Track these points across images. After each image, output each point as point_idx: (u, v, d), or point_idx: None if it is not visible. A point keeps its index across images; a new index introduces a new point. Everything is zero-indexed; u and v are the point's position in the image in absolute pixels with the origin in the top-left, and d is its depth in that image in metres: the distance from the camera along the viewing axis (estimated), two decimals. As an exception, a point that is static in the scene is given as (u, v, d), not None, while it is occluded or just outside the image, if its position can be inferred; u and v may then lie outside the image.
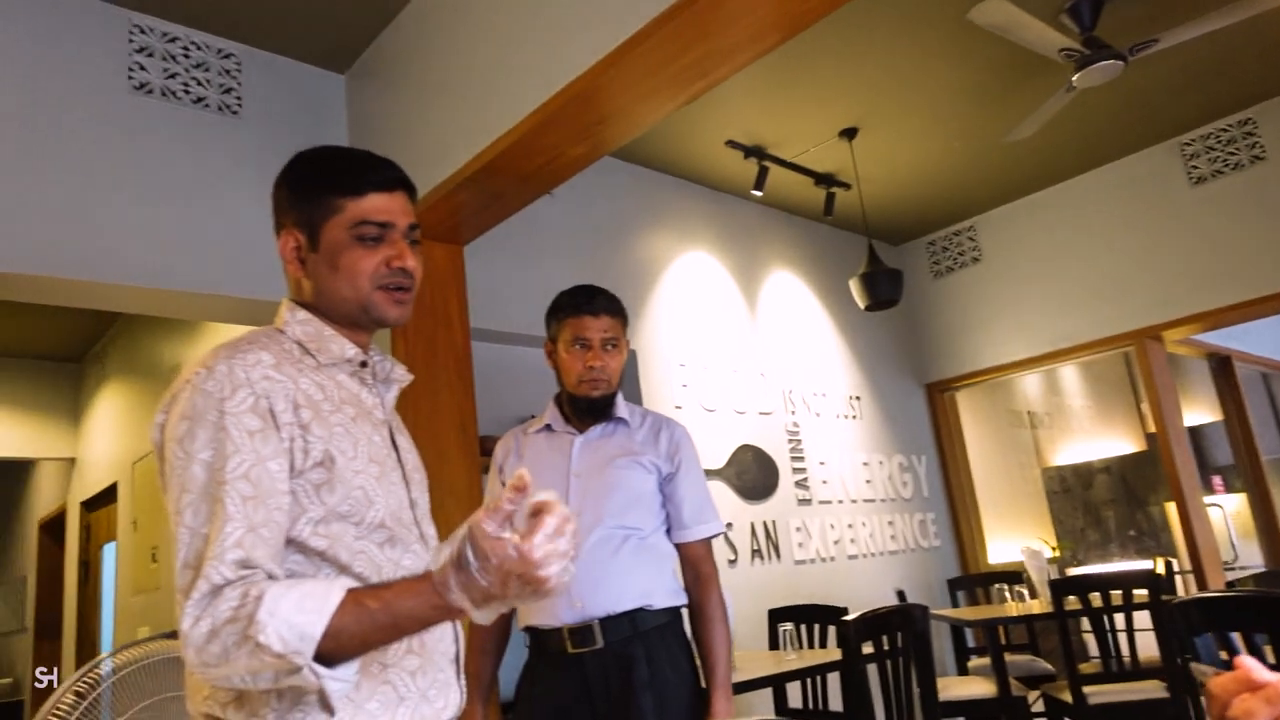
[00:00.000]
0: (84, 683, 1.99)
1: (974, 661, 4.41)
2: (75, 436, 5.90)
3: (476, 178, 2.72)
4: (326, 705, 0.91)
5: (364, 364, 1.19)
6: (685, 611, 2.00)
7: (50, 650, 6.04)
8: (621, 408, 2.07)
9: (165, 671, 2.08)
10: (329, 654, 0.90)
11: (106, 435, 5.34)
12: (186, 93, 2.89)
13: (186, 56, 2.92)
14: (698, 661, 1.95)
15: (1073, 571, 6.02)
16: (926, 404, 5.60)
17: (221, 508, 0.97)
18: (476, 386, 3.03)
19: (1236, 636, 1.79)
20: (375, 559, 1.08)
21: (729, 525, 4.06)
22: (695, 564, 1.99)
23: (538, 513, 0.89)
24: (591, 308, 2.07)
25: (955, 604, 4.77)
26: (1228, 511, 5.97)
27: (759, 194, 4.42)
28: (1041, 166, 4.89)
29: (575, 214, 3.93)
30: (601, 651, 1.84)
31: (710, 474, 4.05)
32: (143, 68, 2.81)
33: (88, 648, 5.42)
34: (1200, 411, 6.58)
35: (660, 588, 1.93)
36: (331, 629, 0.89)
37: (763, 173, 4.31)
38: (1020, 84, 3.91)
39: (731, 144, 4.20)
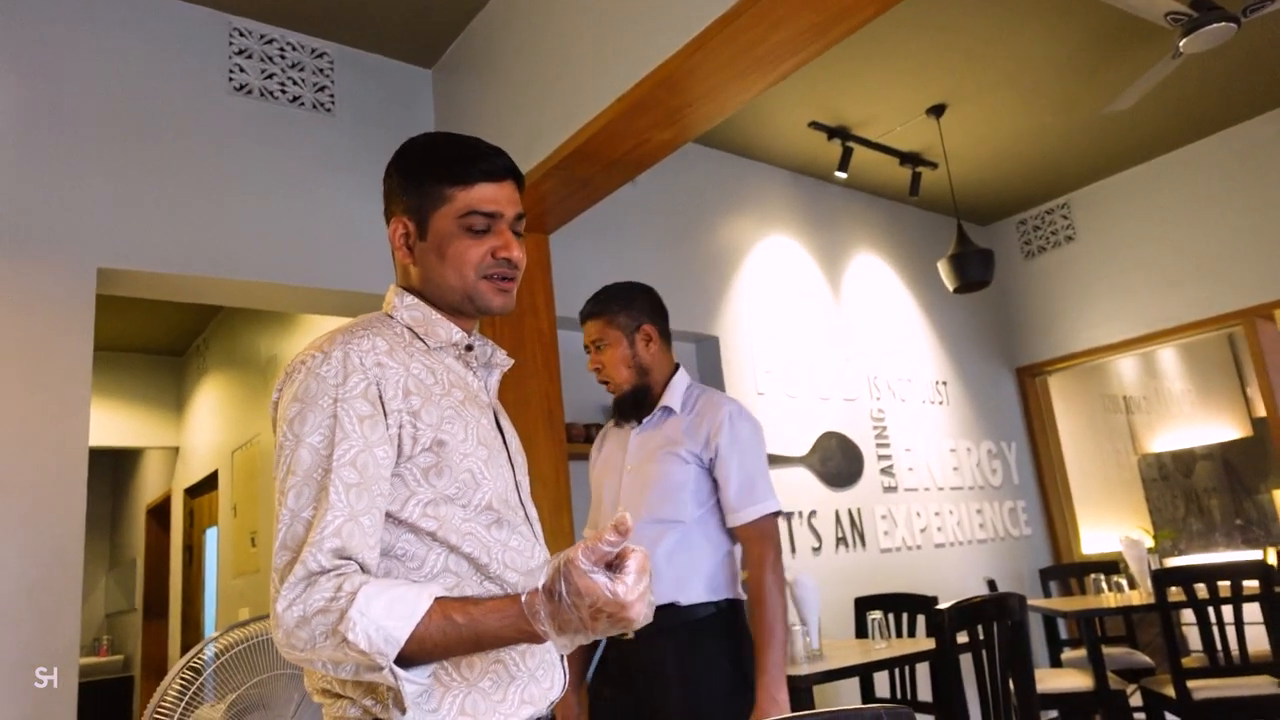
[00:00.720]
0: (193, 665, 2.09)
1: (1068, 654, 4.28)
2: (179, 426, 6.19)
3: (563, 165, 2.74)
4: (400, 703, 0.94)
5: (469, 348, 1.21)
6: (744, 603, 1.97)
7: (158, 629, 6.35)
8: (672, 394, 2.06)
9: (274, 650, 2.17)
10: (410, 656, 0.94)
11: (207, 425, 5.57)
12: (283, 92, 2.99)
13: (283, 57, 3.01)
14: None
15: (1172, 562, 5.79)
16: (1016, 389, 5.44)
17: (325, 494, 0.99)
18: (562, 374, 3.06)
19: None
20: (484, 539, 1.10)
21: (813, 513, 4.02)
22: (746, 547, 1.95)
23: (622, 554, 0.92)
24: (582, 315, 2.14)
25: (1047, 594, 4.64)
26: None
27: (843, 175, 4.35)
28: (1141, 139, 4.68)
29: (657, 201, 3.93)
30: (630, 644, 1.86)
31: (793, 461, 4.01)
32: (242, 69, 2.91)
33: (192, 628, 5.69)
34: (1313, 395, 6.22)
35: (699, 581, 1.90)
36: (416, 636, 0.93)
37: (847, 154, 4.23)
38: (1120, 53, 3.74)
39: (815, 125, 4.13)
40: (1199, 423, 6.58)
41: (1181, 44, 3.21)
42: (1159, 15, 3.14)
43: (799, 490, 3.99)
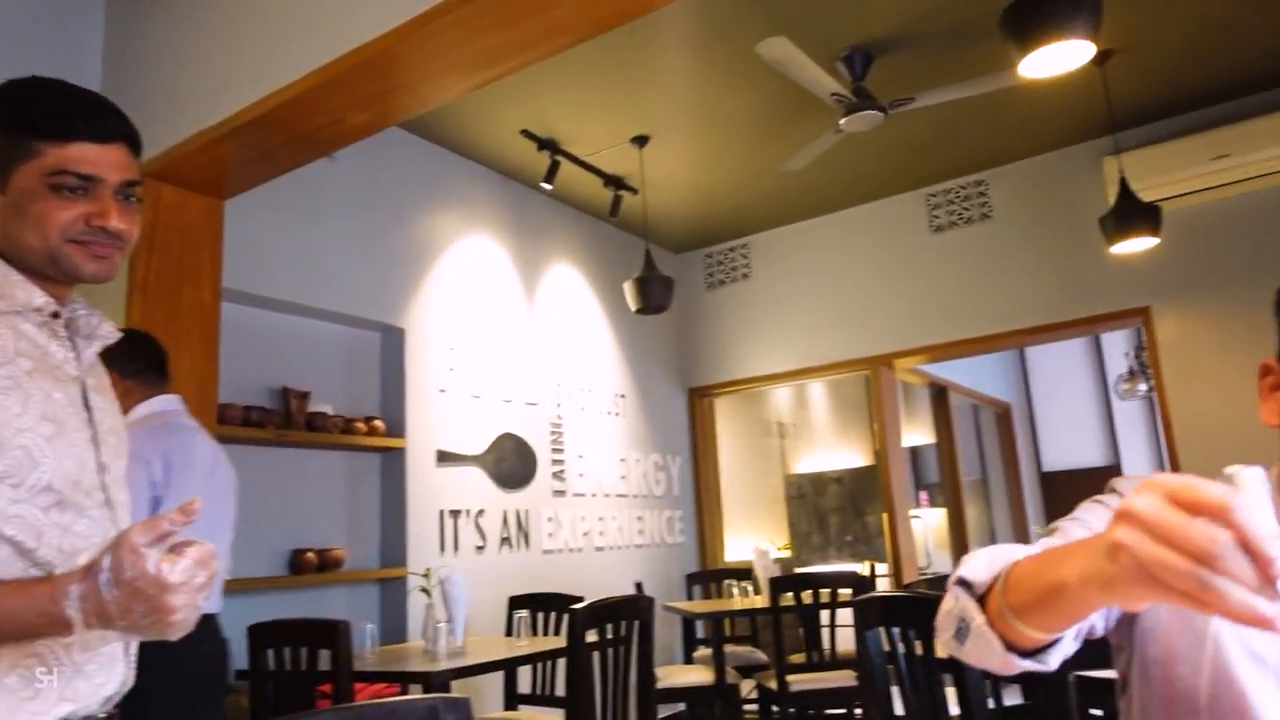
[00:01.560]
0: None
1: (700, 652, 4.71)
2: None
3: (247, 130, 2.56)
4: None
5: (55, 315, 1.10)
6: None
7: None
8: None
9: None
10: None
11: None
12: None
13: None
14: None
15: (801, 571, 6.59)
16: (687, 407, 5.90)
17: None
18: (224, 351, 2.85)
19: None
20: (36, 523, 0.99)
21: (481, 512, 4.08)
22: None
23: (186, 543, 0.90)
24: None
25: (690, 597, 5.07)
26: (928, 523, 6.79)
27: (549, 187, 4.47)
28: (811, 197, 5.30)
29: (357, 181, 3.79)
30: None
31: (467, 460, 4.05)
32: None
33: None
34: (921, 433, 7.40)
35: None
36: None
37: (554, 166, 4.36)
38: (797, 119, 4.22)
39: (526, 134, 4.22)
40: (836, 450, 7.54)
41: (842, 122, 3.70)
42: (826, 94, 3.59)
43: (470, 489, 4.04)
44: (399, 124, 4.02)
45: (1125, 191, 3.88)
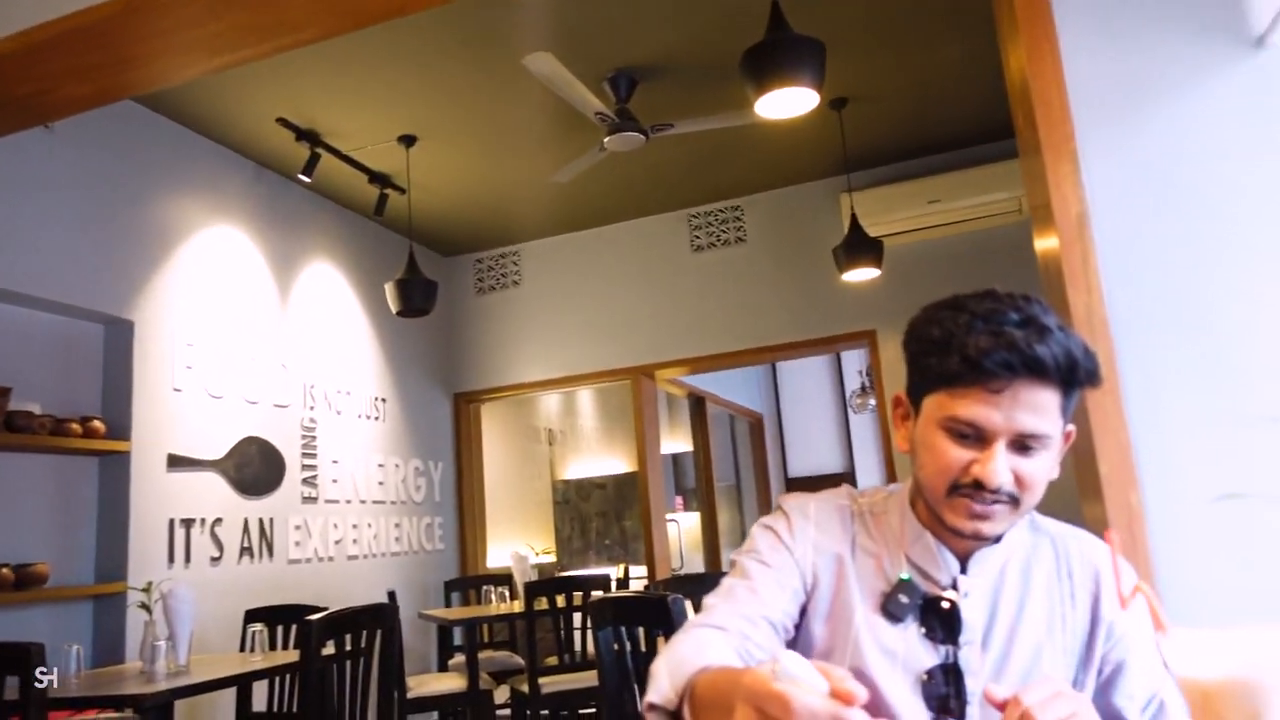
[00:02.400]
0: None
1: (456, 659, 4.67)
2: None
3: (-66, 89, 2.27)
4: None
5: None
6: None
7: None
8: None
9: None
10: None
11: None
12: None
13: None
14: None
15: (562, 575, 6.69)
16: (452, 413, 5.83)
17: None
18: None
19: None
20: None
21: (218, 521, 3.82)
22: None
23: None
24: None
25: (450, 604, 5.02)
26: (683, 526, 7.14)
27: (307, 180, 4.27)
28: (581, 210, 5.43)
29: (81, 156, 3.44)
30: None
31: (203, 465, 3.78)
32: None
33: None
34: (681, 441, 7.77)
35: None
36: None
37: (314, 158, 4.18)
38: (567, 133, 4.31)
39: (283, 122, 4.01)
40: (602, 456, 7.75)
41: (605, 141, 3.83)
42: (590, 112, 3.71)
43: (206, 496, 3.77)
44: (138, 99, 3.71)
45: (855, 226, 4.31)
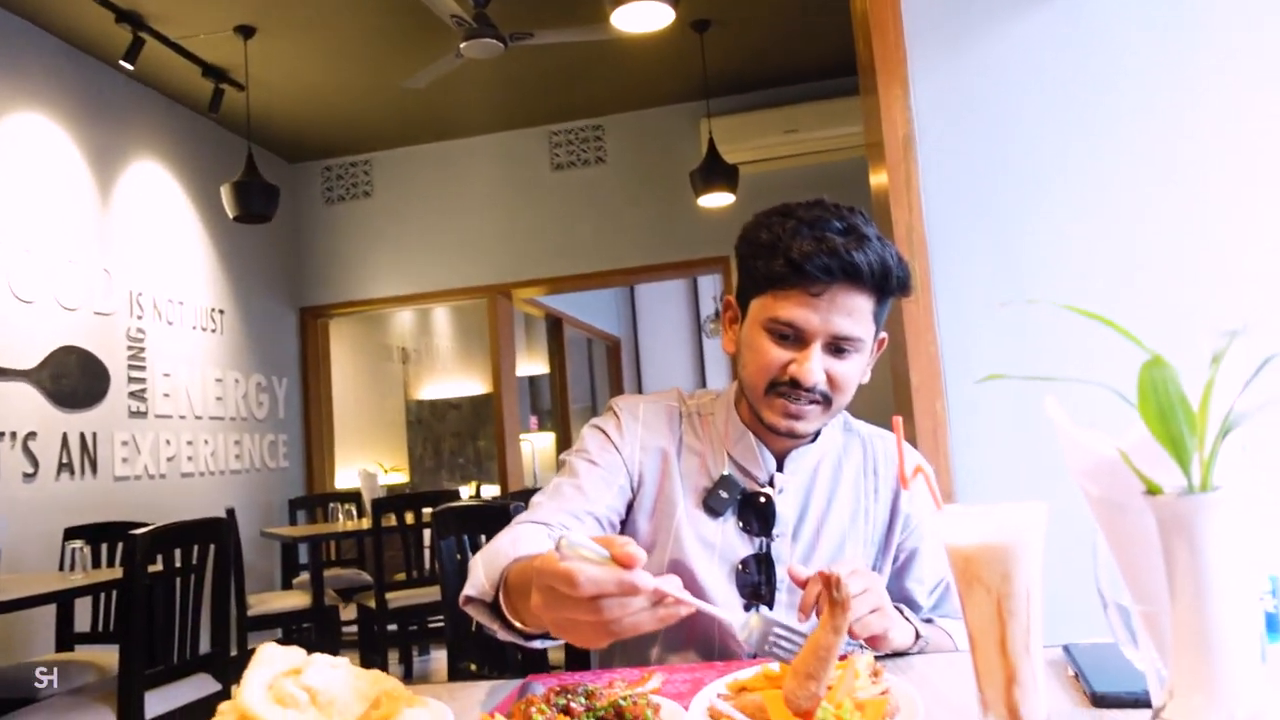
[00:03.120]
0: None
1: (301, 578, 4.59)
2: None
3: None
4: None
5: None
6: None
7: None
8: None
9: None
10: None
11: None
12: None
13: None
14: None
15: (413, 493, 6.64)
16: (298, 327, 5.60)
17: None
18: None
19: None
20: None
21: (31, 434, 3.55)
22: None
23: None
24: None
25: (295, 523, 4.90)
26: (537, 447, 7.22)
27: (129, 66, 3.90)
28: (438, 121, 5.22)
29: None
30: None
31: (12, 374, 3.49)
32: None
33: None
34: (538, 364, 7.77)
35: None
36: None
37: (137, 44, 3.82)
38: (421, 36, 4.11)
39: (102, 1, 3.63)
40: (457, 378, 7.64)
41: (462, 46, 3.68)
42: (446, 15, 3.54)
43: (17, 408, 3.48)
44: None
45: (712, 151, 4.36)
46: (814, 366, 1.01)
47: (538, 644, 0.93)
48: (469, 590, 0.95)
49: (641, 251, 5.24)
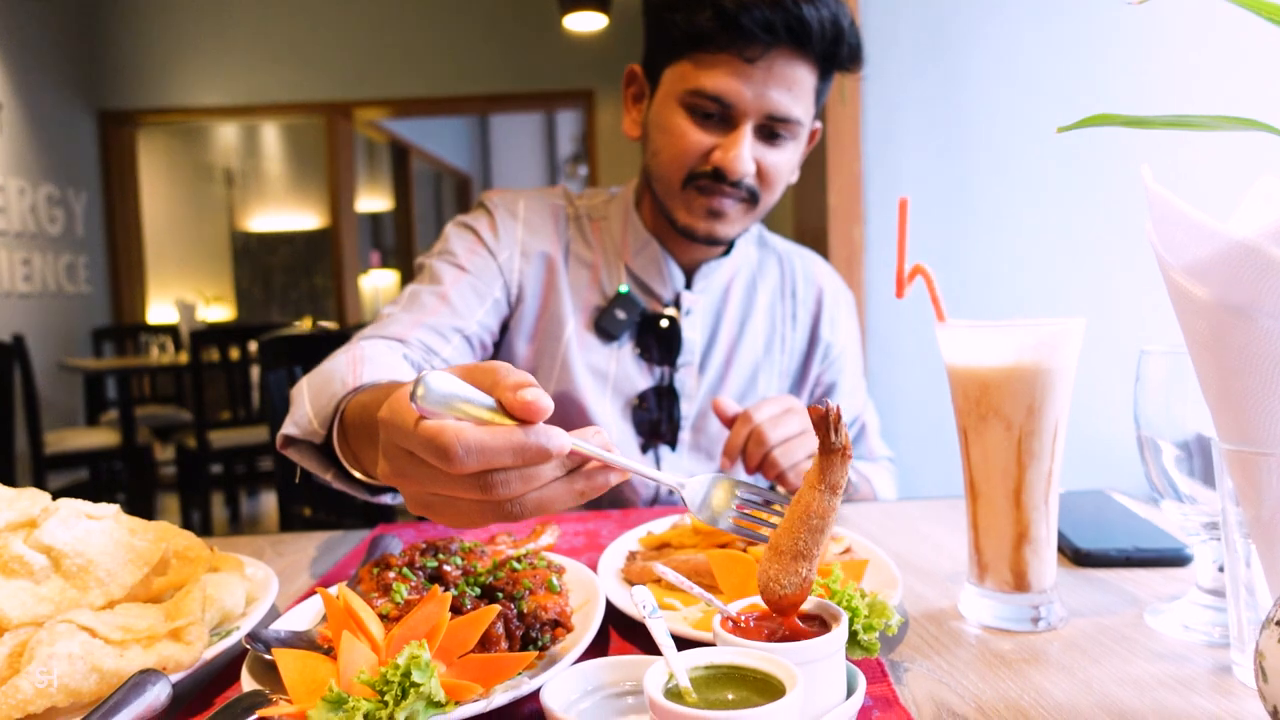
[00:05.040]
0: None
1: (110, 415, 4.17)
2: None
3: None
4: None
5: None
6: None
7: None
8: None
9: None
10: None
11: None
12: None
13: None
14: None
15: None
16: (98, 134, 4.86)
17: None
18: None
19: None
20: None
21: None
22: None
23: None
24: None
25: (100, 355, 4.41)
26: (379, 285, 6.82)
27: None
28: (264, -102, 4.48)
29: None
30: None
31: None
32: None
33: None
34: (382, 199, 7.21)
35: None
36: None
37: None
38: None
39: None
40: (290, 210, 7.00)
41: None
42: None
43: None
44: None
45: (585, -39, 3.93)
46: (743, 153, 0.82)
47: (387, 498, 0.70)
48: (289, 428, 0.70)
49: (498, 76, 4.80)
